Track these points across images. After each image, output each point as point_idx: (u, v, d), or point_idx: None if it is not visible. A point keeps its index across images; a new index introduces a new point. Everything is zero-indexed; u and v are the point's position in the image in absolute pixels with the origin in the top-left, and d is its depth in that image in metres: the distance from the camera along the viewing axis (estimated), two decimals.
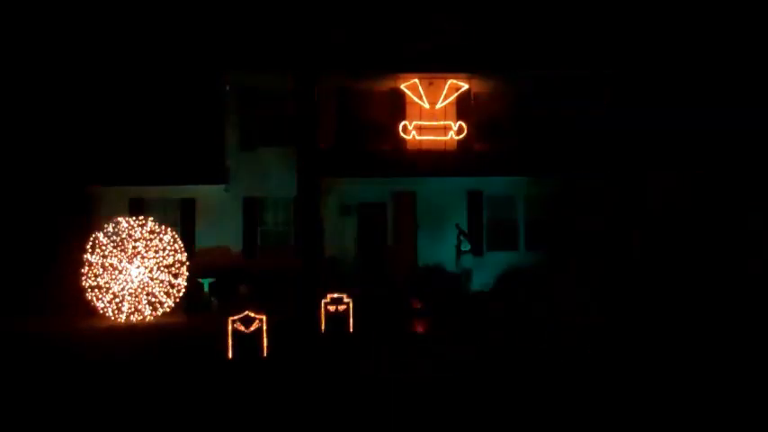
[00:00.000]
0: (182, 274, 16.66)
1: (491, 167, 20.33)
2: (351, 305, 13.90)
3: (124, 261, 15.97)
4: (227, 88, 20.49)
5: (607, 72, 20.65)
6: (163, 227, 16.69)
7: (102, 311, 16.00)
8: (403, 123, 20.64)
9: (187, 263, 16.86)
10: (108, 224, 16.34)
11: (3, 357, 12.09)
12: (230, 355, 11.31)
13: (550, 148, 20.56)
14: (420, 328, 13.37)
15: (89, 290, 15.98)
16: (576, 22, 21.30)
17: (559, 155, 20.45)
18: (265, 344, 11.42)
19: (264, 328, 11.46)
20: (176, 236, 16.96)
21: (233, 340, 11.37)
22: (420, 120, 20.74)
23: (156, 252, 16.28)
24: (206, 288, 18.54)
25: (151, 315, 16.21)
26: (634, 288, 17.67)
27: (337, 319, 13.76)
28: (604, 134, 20.35)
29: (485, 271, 19.66)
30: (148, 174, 20.10)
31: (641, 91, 20.53)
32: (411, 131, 20.65)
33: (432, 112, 20.78)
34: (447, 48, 20.88)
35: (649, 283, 17.98)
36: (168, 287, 16.40)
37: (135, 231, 16.23)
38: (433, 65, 20.57)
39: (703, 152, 20.31)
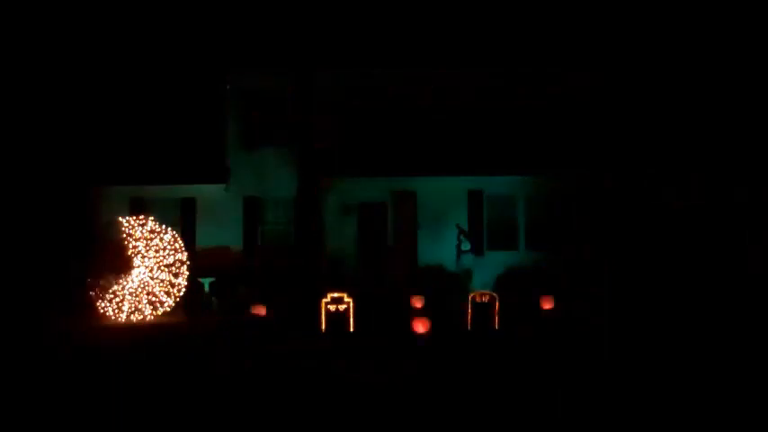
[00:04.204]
0: (182, 273, 16.66)
1: (491, 167, 20.33)
2: (351, 305, 13.90)
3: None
4: (228, 88, 20.49)
5: (607, 71, 20.64)
6: (163, 226, 16.70)
7: (102, 311, 16.00)
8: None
9: (187, 262, 16.87)
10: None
11: (2, 356, 12.08)
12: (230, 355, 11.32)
13: (550, 147, 20.56)
14: (420, 329, 13.36)
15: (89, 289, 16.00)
16: (574, 22, 21.31)
17: (559, 153, 20.45)
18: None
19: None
20: (177, 235, 16.97)
21: (233, 340, 11.38)
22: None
23: (157, 251, 16.29)
24: (206, 288, 18.53)
25: (151, 314, 16.21)
26: (638, 287, 17.63)
27: (337, 319, 13.76)
28: (604, 133, 20.34)
29: (485, 271, 19.65)
30: (149, 173, 20.09)
31: (641, 89, 20.52)
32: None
33: None
34: (447, 45, 20.87)
35: (654, 282, 17.94)
36: (168, 287, 16.40)
37: (135, 231, 16.24)
38: (434, 62, 20.56)
39: (703, 151, 20.32)
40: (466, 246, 19.39)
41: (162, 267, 16.28)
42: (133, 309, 16.01)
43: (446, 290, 18.19)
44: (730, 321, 14.54)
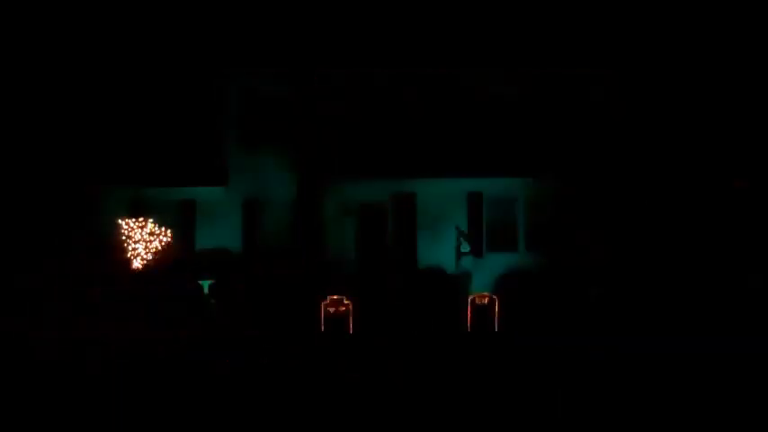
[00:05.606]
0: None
1: (491, 168, 20.31)
2: (350, 307, 13.88)
3: None
4: (227, 89, 20.47)
5: (607, 71, 20.62)
6: (162, 228, 16.69)
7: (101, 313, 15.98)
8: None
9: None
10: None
11: (1, 359, 12.07)
12: (229, 357, 11.32)
13: (550, 148, 20.54)
14: (420, 330, 13.37)
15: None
16: (575, 22, 21.28)
17: (559, 155, 20.43)
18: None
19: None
20: (176, 237, 16.96)
21: (233, 343, 11.37)
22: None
23: (156, 254, 16.28)
24: (205, 290, 18.49)
25: None
26: (638, 290, 17.63)
27: (337, 321, 13.74)
28: (604, 135, 20.34)
29: (485, 272, 19.63)
30: (148, 175, 20.05)
31: (641, 90, 20.50)
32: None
33: None
34: (448, 45, 20.84)
35: (654, 285, 17.93)
36: None
37: (135, 233, 16.24)
38: (435, 62, 20.52)
39: (703, 152, 20.31)
40: (465, 247, 19.37)
41: None
42: None
43: (446, 291, 18.19)
44: (731, 322, 14.54)
